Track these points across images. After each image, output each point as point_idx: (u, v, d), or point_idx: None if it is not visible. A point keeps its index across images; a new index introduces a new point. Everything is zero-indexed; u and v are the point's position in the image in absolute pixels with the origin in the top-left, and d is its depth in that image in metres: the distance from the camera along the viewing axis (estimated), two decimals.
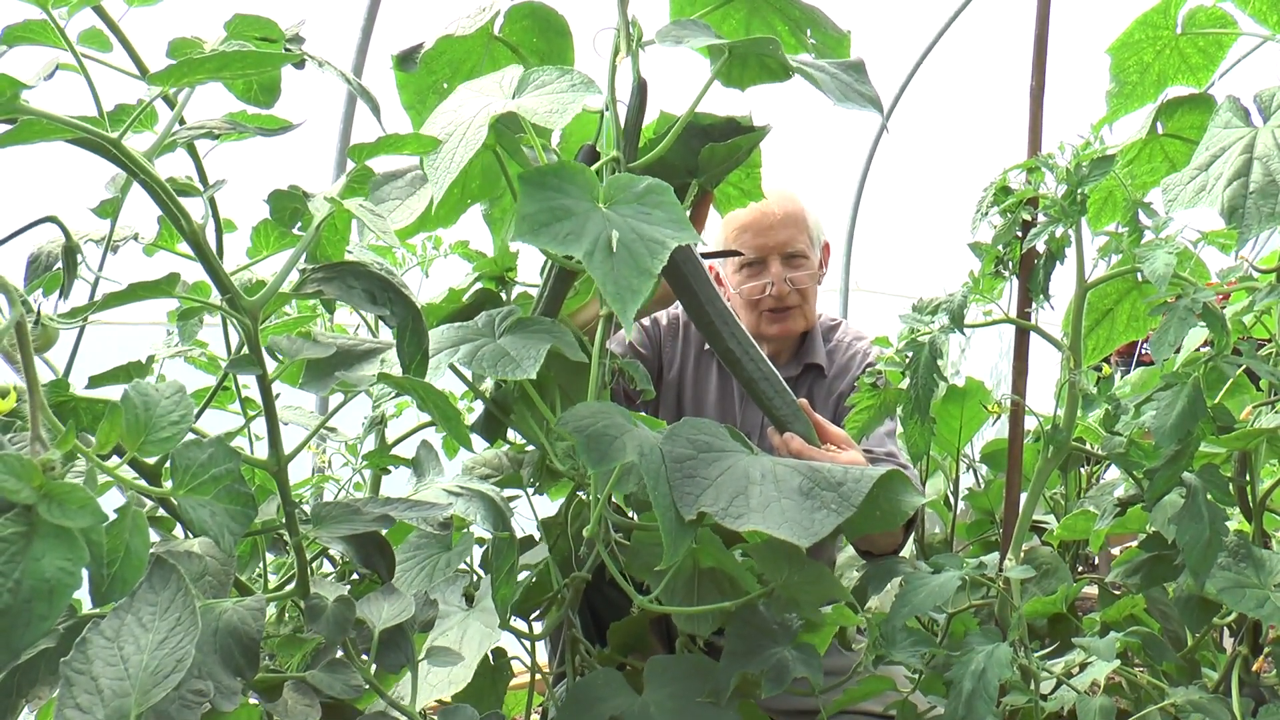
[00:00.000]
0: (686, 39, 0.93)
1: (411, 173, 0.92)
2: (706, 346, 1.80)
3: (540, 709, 1.10)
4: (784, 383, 1.25)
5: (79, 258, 0.76)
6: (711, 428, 0.91)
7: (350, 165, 0.80)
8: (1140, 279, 1.36)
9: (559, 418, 0.86)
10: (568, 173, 0.80)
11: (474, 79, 1.18)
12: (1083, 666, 1.25)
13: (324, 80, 1.08)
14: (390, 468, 1.30)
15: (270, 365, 0.74)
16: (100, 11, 0.82)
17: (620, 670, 1.02)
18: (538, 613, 1.05)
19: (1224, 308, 1.21)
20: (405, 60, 1.13)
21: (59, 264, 0.84)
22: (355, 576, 1.10)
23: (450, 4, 1.22)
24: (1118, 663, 1.20)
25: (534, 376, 0.83)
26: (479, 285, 1.17)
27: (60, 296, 0.77)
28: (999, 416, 1.47)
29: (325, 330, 1.42)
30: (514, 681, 1.14)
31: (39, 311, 0.64)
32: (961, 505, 1.82)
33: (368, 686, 0.78)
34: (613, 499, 1.27)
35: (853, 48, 1.23)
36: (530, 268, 1.27)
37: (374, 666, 0.81)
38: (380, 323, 1.45)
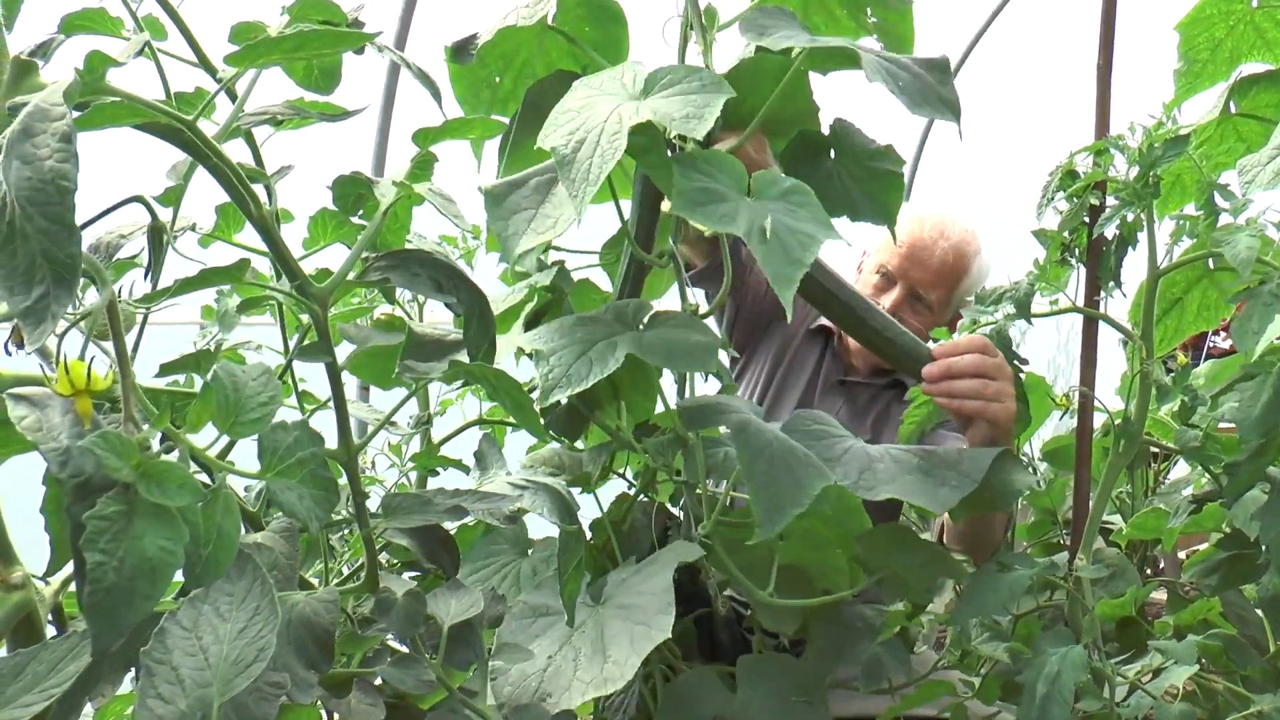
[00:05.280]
0: (772, 30, 0.93)
1: (534, 179, 0.91)
2: (815, 325, 1.80)
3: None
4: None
5: (164, 238, 0.78)
6: (823, 418, 0.95)
7: (388, 160, 0.82)
8: (1210, 266, 1.35)
9: (680, 402, 0.88)
10: (717, 161, 0.83)
11: (526, 71, 1.19)
12: (1157, 672, 1.24)
13: (360, 70, 1.10)
14: (438, 469, 1.32)
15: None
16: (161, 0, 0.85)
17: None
18: None
19: None
20: (459, 52, 1.13)
21: (118, 252, 0.86)
22: (407, 575, 1.11)
23: None
24: (1197, 667, 1.19)
25: (713, 369, 0.86)
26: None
27: (147, 277, 0.79)
28: (1066, 411, 1.46)
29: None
30: None
31: (118, 295, 0.66)
32: (1021, 505, 1.81)
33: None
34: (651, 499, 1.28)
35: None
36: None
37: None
38: (419, 316, 1.47)
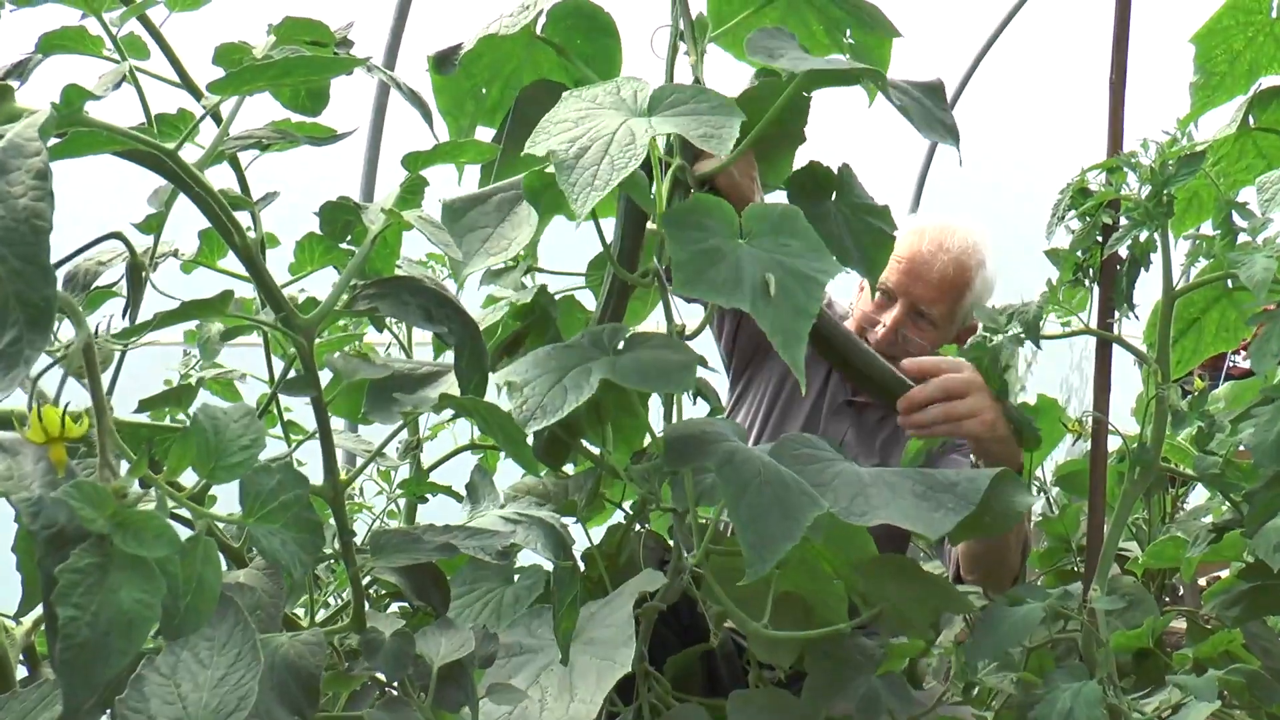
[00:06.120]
0: (780, 53, 0.94)
1: (497, 195, 0.91)
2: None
3: None
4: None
5: (143, 275, 0.78)
6: (811, 440, 0.94)
7: (378, 178, 0.82)
8: (1229, 286, 1.35)
9: (666, 427, 0.88)
10: (704, 208, 0.83)
11: (514, 82, 1.20)
12: (1176, 708, 1.24)
13: (350, 87, 1.10)
14: (428, 495, 1.32)
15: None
16: (144, 19, 0.85)
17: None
18: None
19: None
20: (443, 62, 1.14)
21: (96, 283, 0.86)
22: (395, 607, 1.11)
23: (483, 6, 1.24)
24: (1219, 704, 1.18)
25: (692, 390, 0.86)
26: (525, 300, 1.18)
27: (125, 316, 0.79)
28: (1079, 436, 1.46)
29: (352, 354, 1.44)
30: None
31: (96, 331, 0.66)
32: (1034, 531, 1.80)
33: None
34: (650, 527, 1.28)
35: (907, 41, 1.24)
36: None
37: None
38: (412, 344, 1.47)
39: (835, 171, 1.06)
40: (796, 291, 0.79)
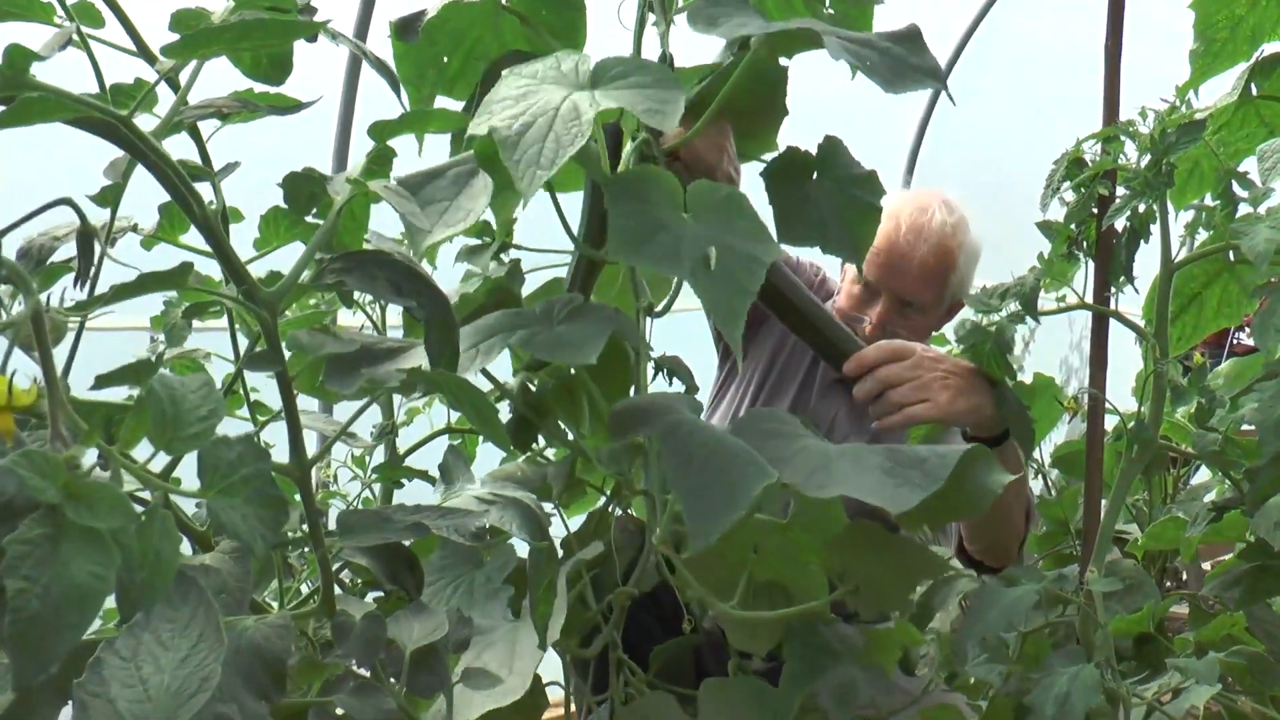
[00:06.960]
0: (723, 20, 0.93)
1: (452, 170, 0.92)
2: None
3: None
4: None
5: (94, 243, 0.78)
6: (781, 416, 0.94)
7: (351, 154, 0.82)
8: (1232, 260, 1.36)
9: (614, 406, 0.89)
10: (649, 179, 0.84)
11: (477, 52, 1.20)
12: (1177, 692, 1.25)
13: (321, 58, 1.10)
14: (403, 481, 1.32)
15: None
16: None
17: None
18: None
19: None
20: (405, 29, 1.13)
21: (53, 257, 0.86)
22: (372, 596, 1.11)
23: None
24: (1219, 687, 1.19)
25: (594, 362, 0.85)
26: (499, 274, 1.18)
27: (78, 285, 0.79)
28: (1075, 414, 1.47)
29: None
30: (548, 715, 1.16)
31: (47, 303, 0.66)
32: None
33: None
34: (632, 511, 1.28)
35: (897, 12, 1.24)
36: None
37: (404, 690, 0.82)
38: (386, 325, 1.47)
39: (816, 150, 1.06)
40: (738, 269, 0.80)
